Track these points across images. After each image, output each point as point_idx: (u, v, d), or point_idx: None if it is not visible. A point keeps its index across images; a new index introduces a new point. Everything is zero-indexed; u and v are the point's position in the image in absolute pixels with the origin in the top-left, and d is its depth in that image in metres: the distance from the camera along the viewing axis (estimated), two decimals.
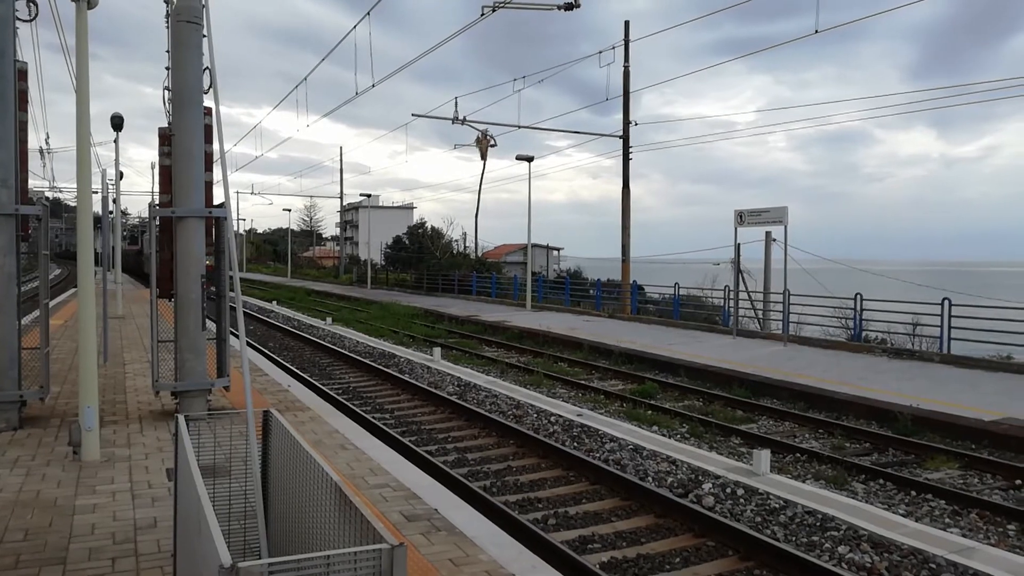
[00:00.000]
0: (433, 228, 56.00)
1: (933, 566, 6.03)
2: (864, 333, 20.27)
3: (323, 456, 3.27)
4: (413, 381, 14.51)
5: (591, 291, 35.36)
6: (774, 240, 20.97)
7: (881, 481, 9.20)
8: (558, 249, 56.23)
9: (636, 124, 31.29)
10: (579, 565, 6.22)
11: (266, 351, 19.42)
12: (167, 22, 9.33)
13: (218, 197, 10.22)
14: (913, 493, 8.79)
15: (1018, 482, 9.17)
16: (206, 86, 8.87)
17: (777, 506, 7.49)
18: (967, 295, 19.18)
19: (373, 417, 11.96)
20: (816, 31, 17.69)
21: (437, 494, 6.54)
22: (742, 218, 20.74)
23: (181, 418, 4.12)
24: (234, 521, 4.14)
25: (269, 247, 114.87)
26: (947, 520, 8.00)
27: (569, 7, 18.35)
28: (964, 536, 7.14)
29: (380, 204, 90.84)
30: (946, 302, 17.00)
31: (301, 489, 3.44)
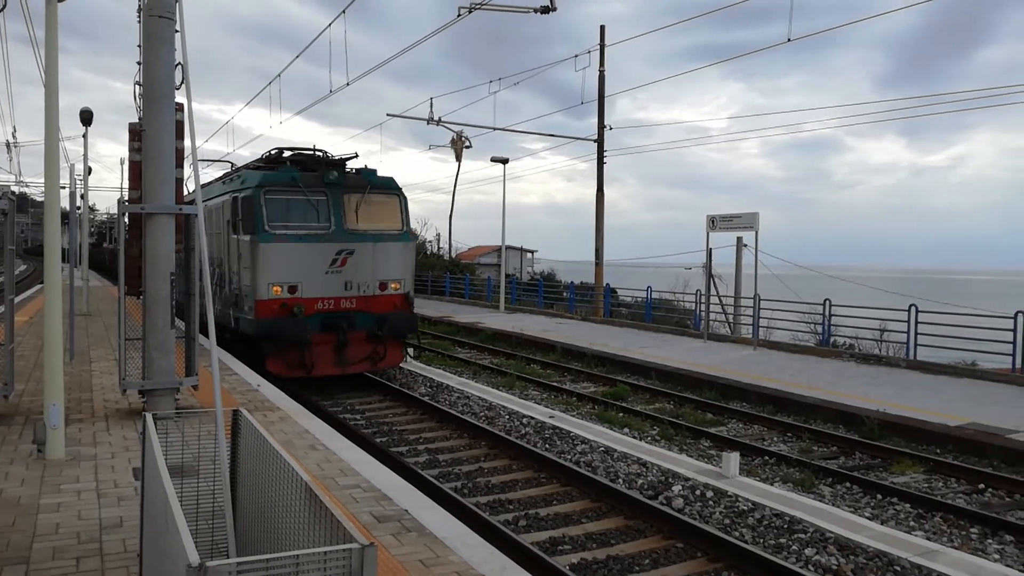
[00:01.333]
0: None
1: (898, 568, 6.12)
2: (832, 339, 20.50)
3: (293, 456, 3.25)
4: (385, 382, 14.45)
5: (564, 293, 35.44)
6: (745, 246, 21.14)
7: (848, 484, 9.31)
8: (532, 251, 56.30)
9: (611, 128, 31.42)
10: (549, 566, 6.23)
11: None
12: (139, 16, 9.22)
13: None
14: (879, 496, 8.90)
15: (981, 486, 9.32)
16: (178, 82, 8.77)
17: (746, 508, 7.55)
18: (934, 302, 19.47)
19: (344, 418, 11.89)
20: (789, 39, 17.88)
21: (408, 495, 6.52)
22: (714, 223, 20.90)
23: (149, 416, 4.07)
24: (202, 521, 4.10)
25: None
26: (912, 523, 8.12)
27: (545, 10, 18.39)
28: (928, 539, 7.24)
29: None
30: (912, 308, 17.24)
31: (270, 489, 3.42)
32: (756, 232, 19.98)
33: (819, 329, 21.07)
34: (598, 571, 6.49)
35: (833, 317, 20.04)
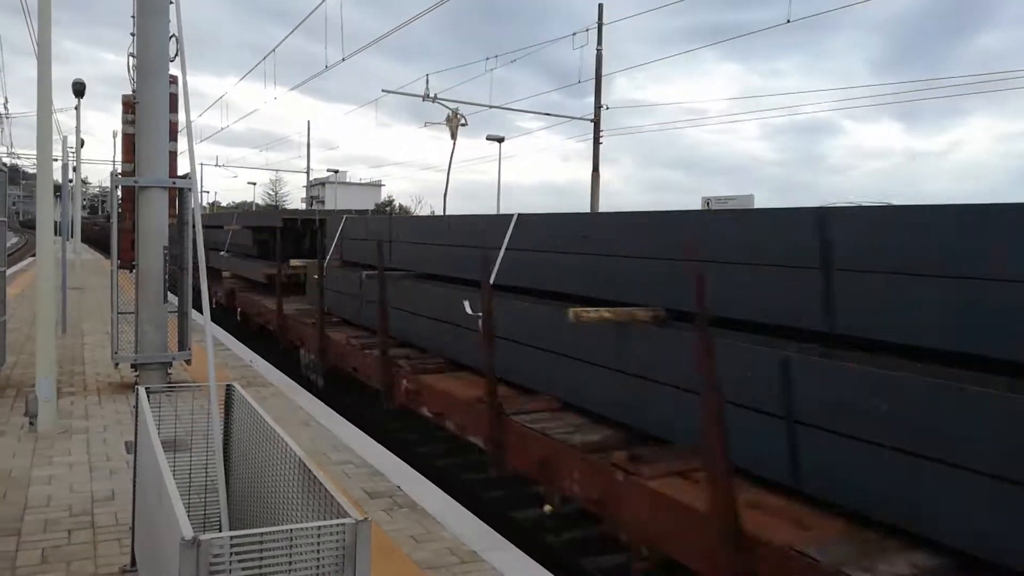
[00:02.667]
0: (401, 206, 55.88)
1: None
2: None
3: (287, 432, 3.25)
4: None
5: None
6: None
7: None
8: None
9: (608, 108, 31.30)
10: (539, 541, 6.27)
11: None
12: None
13: (182, 168, 10.04)
14: None
15: None
16: (172, 54, 8.70)
17: None
18: None
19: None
20: (788, 20, 17.81)
21: (400, 471, 6.54)
22: (709, 205, 20.92)
23: (142, 390, 4.07)
24: (194, 495, 4.11)
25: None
26: None
27: None
28: None
29: (348, 180, 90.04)
30: None
31: (263, 464, 3.42)
32: None
33: None
34: (590, 548, 6.53)
35: None
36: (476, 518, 5.56)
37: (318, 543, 2.30)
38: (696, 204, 21.22)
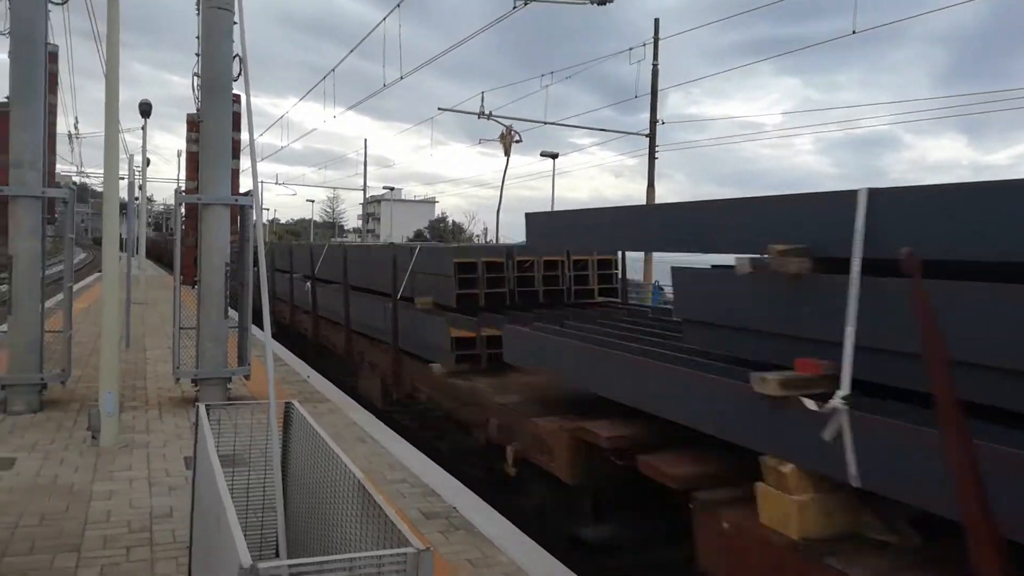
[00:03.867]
0: (455, 222, 56.14)
1: None
2: None
3: (343, 451, 3.18)
4: None
5: None
6: None
7: None
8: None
9: (663, 123, 31.05)
10: (602, 571, 6.09)
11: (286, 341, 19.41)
12: (198, 8, 9.29)
13: (243, 186, 10.17)
14: None
15: None
16: (236, 73, 8.82)
17: None
18: None
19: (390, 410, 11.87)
20: (854, 31, 17.41)
21: (456, 491, 6.44)
22: None
23: (201, 406, 4.05)
24: (251, 513, 4.07)
25: (292, 237, 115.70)
26: None
27: (602, 1, 18.17)
28: None
29: (402, 197, 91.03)
30: None
31: (321, 484, 3.35)
32: None
33: None
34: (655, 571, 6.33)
35: None
36: (535, 543, 5.42)
37: (379, 572, 2.21)
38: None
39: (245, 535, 2.39)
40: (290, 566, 2.11)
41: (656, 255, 30.90)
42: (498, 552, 5.17)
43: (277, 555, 3.41)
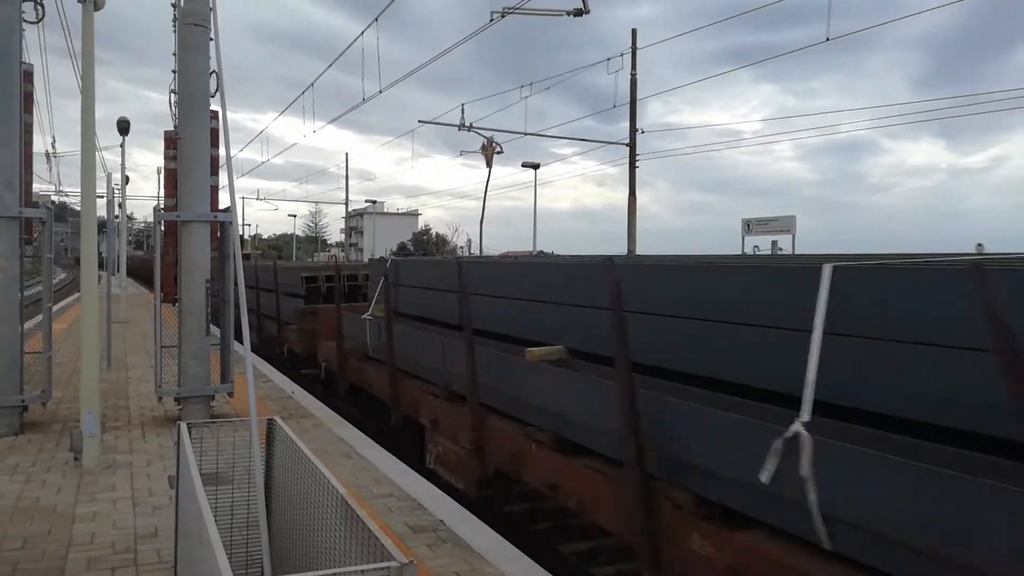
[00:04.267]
0: (438, 234, 56.14)
1: None
2: None
3: (328, 466, 3.17)
4: None
5: None
6: (780, 250, 20.84)
7: None
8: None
9: (642, 132, 31.22)
10: None
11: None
12: (174, 25, 9.27)
13: (223, 202, 10.15)
14: None
15: None
16: (213, 90, 8.81)
17: None
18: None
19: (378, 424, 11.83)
20: (827, 39, 17.62)
21: (443, 505, 6.43)
22: (749, 227, 20.66)
23: (183, 425, 4.02)
24: (236, 532, 4.04)
25: (274, 253, 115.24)
26: None
27: (579, 13, 18.30)
28: None
29: (385, 210, 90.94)
30: None
31: (305, 501, 3.34)
32: (793, 235, 19.71)
33: None
34: None
35: None
36: (523, 554, 5.42)
37: None
38: (735, 226, 20.97)
39: (230, 554, 2.38)
40: None
41: None
42: (486, 564, 5.16)
43: (263, 574, 3.40)
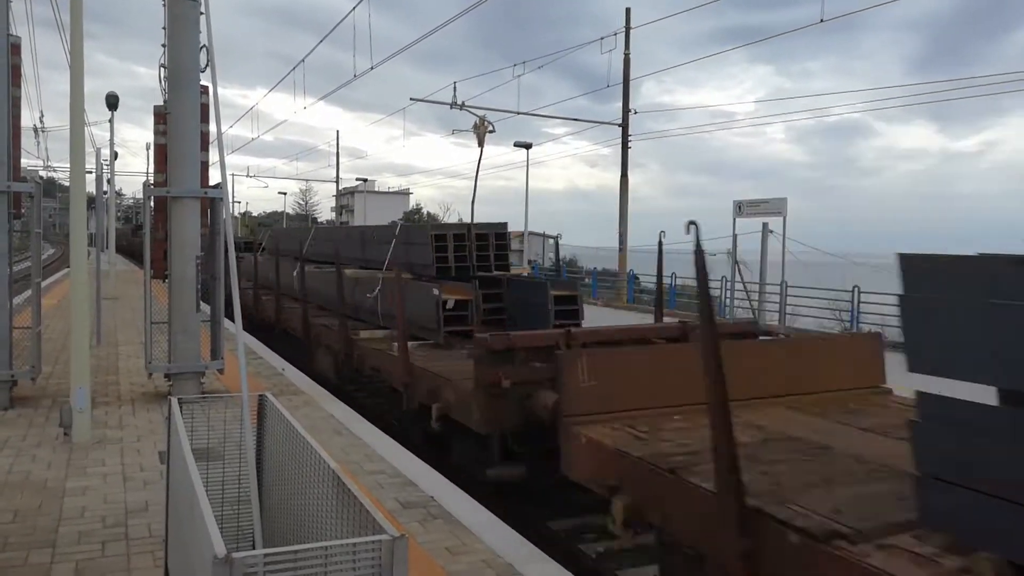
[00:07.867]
0: (429, 214, 55.94)
1: None
2: (859, 326, 20.22)
3: (319, 442, 3.18)
4: None
5: (587, 280, 35.24)
6: (771, 232, 20.89)
7: None
8: (555, 237, 56.10)
9: (635, 112, 31.16)
10: (576, 554, 6.16)
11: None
12: None
13: (214, 178, 10.09)
14: None
15: None
16: (203, 64, 8.73)
17: None
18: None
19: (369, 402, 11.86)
20: (822, 20, 17.57)
21: (434, 481, 6.46)
22: (741, 209, 20.69)
23: (174, 400, 4.03)
24: (227, 507, 4.06)
25: (264, 230, 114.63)
26: None
27: None
28: None
29: (376, 189, 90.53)
30: None
31: (297, 476, 3.35)
32: (784, 218, 19.75)
33: (845, 316, 20.79)
34: (627, 559, 6.40)
35: (861, 305, 19.76)
36: (512, 530, 5.46)
37: (354, 560, 2.22)
38: (724, 208, 20.99)
39: (221, 528, 2.39)
40: (265, 555, 2.11)
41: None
42: (476, 540, 5.20)
43: (254, 548, 3.41)
